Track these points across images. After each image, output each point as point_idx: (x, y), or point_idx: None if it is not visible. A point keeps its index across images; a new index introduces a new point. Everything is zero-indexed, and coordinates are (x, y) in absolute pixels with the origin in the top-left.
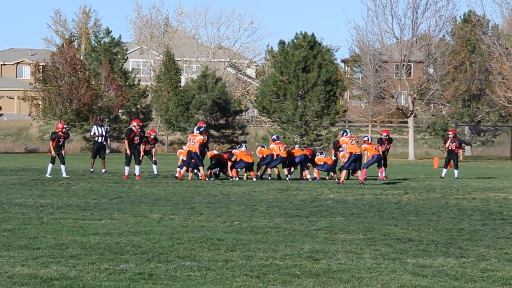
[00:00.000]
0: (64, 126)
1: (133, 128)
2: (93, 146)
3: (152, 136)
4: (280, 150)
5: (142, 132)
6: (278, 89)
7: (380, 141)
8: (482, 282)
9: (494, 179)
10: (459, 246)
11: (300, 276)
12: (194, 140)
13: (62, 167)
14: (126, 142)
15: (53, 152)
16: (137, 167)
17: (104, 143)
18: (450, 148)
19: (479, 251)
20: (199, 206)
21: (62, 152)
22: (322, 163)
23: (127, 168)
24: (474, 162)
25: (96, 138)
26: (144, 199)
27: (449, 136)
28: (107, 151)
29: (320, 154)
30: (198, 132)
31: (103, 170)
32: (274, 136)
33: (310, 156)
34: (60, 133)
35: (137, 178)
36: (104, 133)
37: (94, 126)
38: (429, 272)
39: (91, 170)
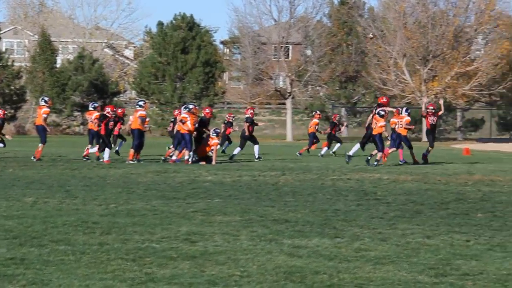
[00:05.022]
0: None
1: (107, 114)
2: None
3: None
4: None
5: (116, 117)
6: (156, 70)
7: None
8: (355, 261)
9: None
10: (334, 226)
11: (176, 258)
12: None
13: None
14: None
15: None
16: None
17: None
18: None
19: (354, 231)
20: (74, 189)
21: None
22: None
23: (107, 151)
24: (351, 143)
25: None
26: (17, 182)
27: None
28: None
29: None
30: (187, 110)
31: None
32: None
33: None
34: None
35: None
36: None
37: None
38: (304, 253)
39: None
